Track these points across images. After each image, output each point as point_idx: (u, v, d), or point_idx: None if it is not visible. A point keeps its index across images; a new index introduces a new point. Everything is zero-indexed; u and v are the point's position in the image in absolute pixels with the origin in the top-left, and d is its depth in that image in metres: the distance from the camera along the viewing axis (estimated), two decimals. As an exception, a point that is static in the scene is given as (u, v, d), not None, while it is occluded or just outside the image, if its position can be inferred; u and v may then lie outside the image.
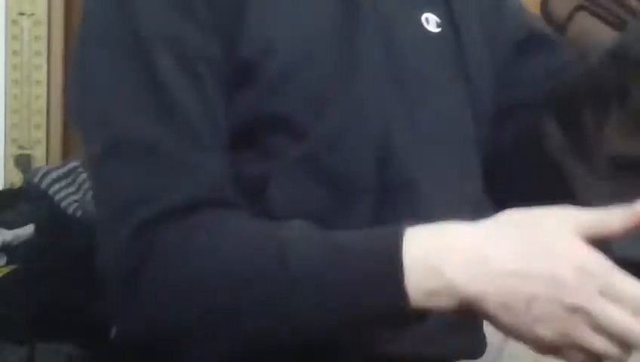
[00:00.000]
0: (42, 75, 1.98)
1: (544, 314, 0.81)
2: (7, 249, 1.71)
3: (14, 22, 1.98)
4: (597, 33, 1.07)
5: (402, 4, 1.03)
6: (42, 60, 1.97)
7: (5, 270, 1.68)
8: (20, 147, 1.98)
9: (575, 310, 0.80)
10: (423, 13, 1.03)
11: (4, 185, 1.97)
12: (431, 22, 1.04)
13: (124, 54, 0.93)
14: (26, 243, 1.71)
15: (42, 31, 1.98)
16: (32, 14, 1.98)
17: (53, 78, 1.96)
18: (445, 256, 0.84)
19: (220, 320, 0.87)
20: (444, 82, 1.04)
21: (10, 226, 1.71)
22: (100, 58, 0.96)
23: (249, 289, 0.86)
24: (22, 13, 1.98)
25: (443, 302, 0.83)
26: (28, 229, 1.72)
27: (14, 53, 1.99)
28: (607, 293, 0.80)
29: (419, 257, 0.84)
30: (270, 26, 0.95)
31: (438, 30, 1.04)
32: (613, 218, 0.83)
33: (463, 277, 0.82)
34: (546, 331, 0.81)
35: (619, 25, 1.78)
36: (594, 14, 1.08)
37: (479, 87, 1.06)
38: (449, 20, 1.05)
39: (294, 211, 0.92)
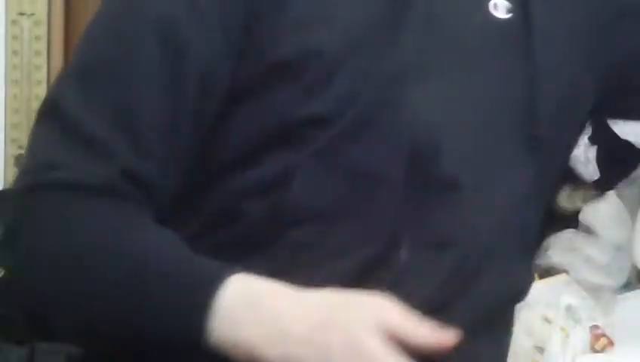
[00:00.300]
0: (42, 75, 1.98)
1: None
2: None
3: (14, 22, 1.98)
4: None
5: None
6: (42, 60, 1.97)
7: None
8: (20, 147, 1.98)
9: None
10: None
11: (4, 185, 1.97)
12: (500, 7, 1.01)
13: (121, 29, 0.95)
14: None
15: (42, 31, 1.98)
16: (32, 14, 1.98)
17: (53, 78, 1.96)
18: (247, 314, 0.84)
19: (64, 294, 0.90)
20: (500, 71, 1.01)
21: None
22: (100, 29, 0.98)
23: (95, 274, 0.88)
24: (22, 13, 1.98)
25: (236, 354, 0.84)
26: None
27: (14, 53, 1.99)
28: None
29: (227, 306, 0.84)
30: (314, 27, 0.96)
31: (507, 16, 1.01)
32: (419, 330, 0.85)
33: (256, 338, 0.83)
34: None
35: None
36: None
37: (550, 79, 1.02)
38: (522, 6, 1.02)
39: (317, 205, 0.93)
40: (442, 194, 0.97)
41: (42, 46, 1.98)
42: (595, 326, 1.52)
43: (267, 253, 0.96)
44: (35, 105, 1.98)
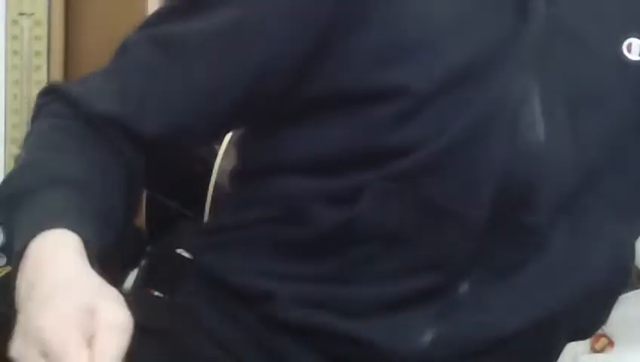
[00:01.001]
0: (42, 75, 1.98)
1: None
2: (7, 249, 1.70)
3: (14, 22, 1.98)
4: None
5: (602, 27, 0.93)
6: (42, 60, 1.97)
7: (5, 270, 1.67)
8: (20, 147, 1.98)
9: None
10: (627, 37, 0.93)
11: (4, 185, 1.97)
12: (634, 48, 0.93)
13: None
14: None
15: (42, 31, 1.98)
16: (32, 14, 1.97)
17: (53, 78, 1.96)
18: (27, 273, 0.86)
19: None
20: (625, 118, 0.93)
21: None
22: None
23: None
24: (22, 13, 1.98)
25: None
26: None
27: (14, 53, 1.98)
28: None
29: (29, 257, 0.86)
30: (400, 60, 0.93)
31: None
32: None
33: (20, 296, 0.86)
34: None
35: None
36: None
37: None
38: None
39: (382, 226, 0.92)
40: (525, 249, 0.93)
41: (42, 46, 1.98)
42: (595, 326, 1.52)
43: (324, 261, 0.96)
44: (35, 105, 1.98)
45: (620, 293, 1.00)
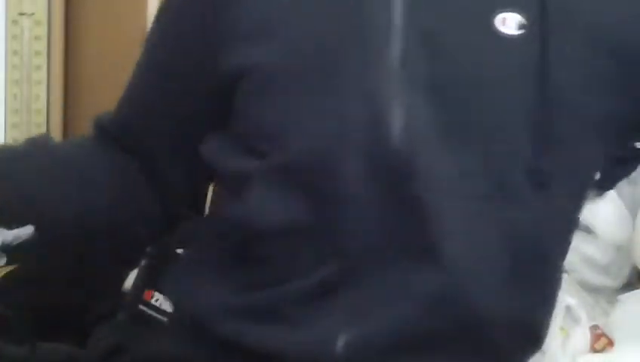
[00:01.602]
0: (42, 75, 1.98)
1: None
2: (7, 249, 1.70)
3: (14, 22, 1.98)
4: None
5: (471, 4, 0.92)
6: (42, 60, 1.97)
7: (5, 270, 1.68)
8: (20, 147, 1.98)
9: None
10: (499, 12, 0.91)
11: (4, 185, 1.97)
12: (509, 23, 0.91)
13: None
14: (26, 243, 1.71)
15: (42, 31, 1.98)
16: (32, 14, 1.97)
17: (53, 78, 1.96)
18: None
19: None
20: (502, 92, 0.91)
21: (10, 226, 1.71)
22: None
23: None
24: (22, 13, 1.98)
25: None
26: (28, 229, 1.72)
27: (14, 53, 1.98)
28: None
29: None
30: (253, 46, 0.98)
31: (519, 32, 0.91)
32: None
33: None
34: None
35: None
36: None
37: (564, 106, 0.92)
38: (540, 21, 0.91)
39: (270, 217, 0.93)
40: (415, 214, 0.92)
41: (42, 46, 1.98)
42: (595, 326, 1.52)
43: (242, 267, 0.97)
44: (35, 105, 1.98)
45: (531, 277, 0.97)
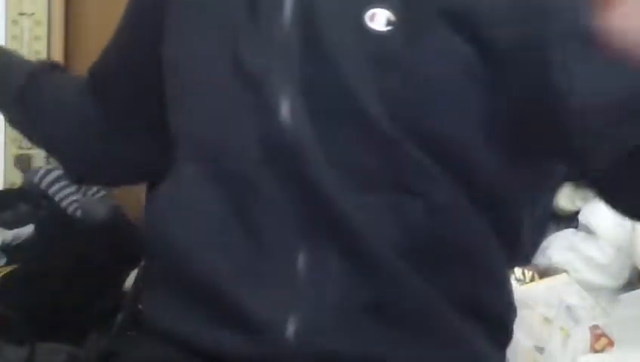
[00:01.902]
0: (42, 75, 1.98)
1: None
2: (7, 249, 1.71)
3: (14, 22, 1.98)
4: None
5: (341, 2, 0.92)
6: (42, 60, 1.98)
7: (5, 270, 1.68)
8: (20, 147, 1.98)
9: None
10: (368, 8, 0.91)
11: (4, 185, 1.97)
12: (378, 19, 0.91)
13: None
14: (26, 243, 1.71)
15: (42, 31, 1.98)
16: (32, 14, 1.97)
17: (53, 78, 1.96)
18: None
19: None
20: (366, 88, 0.91)
21: (10, 226, 1.71)
22: None
23: None
24: (22, 13, 1.98)
25: None
26: (28, 229, 1.72)
27: (14, 53, 1.98)
28: None
29: None
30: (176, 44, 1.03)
31: (386, 28, 0.90)
32: None
33: None
34: None
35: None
36: None
37: (434, 101, 0.91)
38: (407, 17, 0.90)
39: (196, 208, 0.96)
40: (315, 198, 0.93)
41: (42, 46, 1.98)
42: (595, 326, 1.52)
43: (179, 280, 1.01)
44: (35, 105, 1.98)
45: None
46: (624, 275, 1.68)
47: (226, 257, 0.95)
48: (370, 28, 0.91)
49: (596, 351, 1.50)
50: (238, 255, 0.94)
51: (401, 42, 0.90)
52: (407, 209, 0.93)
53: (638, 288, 1.65)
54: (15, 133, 1.97)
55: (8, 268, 1.64)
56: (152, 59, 1.07)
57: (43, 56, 1.96)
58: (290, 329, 0.93)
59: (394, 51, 0.90)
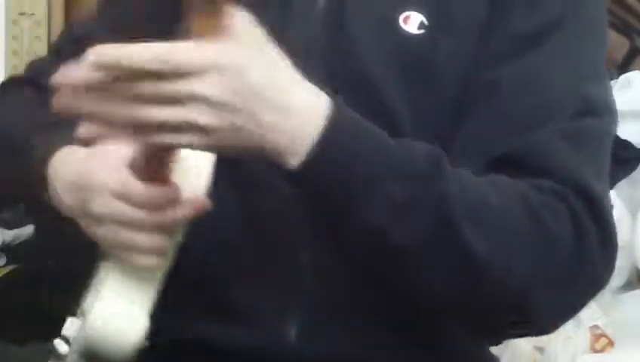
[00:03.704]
0: (42, 75, 1.98)
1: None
2: (7, 249, 1.71)
3: (14, 22, 1.98)
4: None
5: (376, 2, 0.91)
6: (42, 60, 1.98)
7: (5, 270, 1.68)
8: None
9: None
10: (403, 11, 0.91)
11: (4, 185, 1.97)
12: (412, 22, 0.91)
13: None
14: (26, 243, 1.71)
15: (42, 31, 1.98)
16: (32, 14, 1.98)
17: (53, 78, 1.96)
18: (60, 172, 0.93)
19: None
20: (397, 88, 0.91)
21: (10, 226, 1.72)
22: None
23: None
24: (22, 13, 1.98)
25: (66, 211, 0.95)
26: (28, 229, 1.72)
27: (14, 53, 1.99)
28: None
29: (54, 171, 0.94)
30: None
31: (419, 32, 0.91)
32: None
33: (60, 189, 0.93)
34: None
35: (624, 29, 1.75)
36: None
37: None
38: (438, 23, 0.91)
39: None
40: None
41: (42, 46, 1.98)
42: (595, 326, 1.52)
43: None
44: (35, 105, 1.98)
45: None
46: (624, 275, 1.68)
47: (228, 256, 0.95)
48: (403, 30, 0.91)
49: (596, 351, 1.50)
50: (240, 254, 0.95)
51: (430, 46, 0.90)
52: None
53: (638, 288, 1.65)
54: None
55: (8, 268, 1.65)
56: None
57: (43, 56, 1.97)
58: (292, 329, 0.93)
59: (423, 54, 0.90)
